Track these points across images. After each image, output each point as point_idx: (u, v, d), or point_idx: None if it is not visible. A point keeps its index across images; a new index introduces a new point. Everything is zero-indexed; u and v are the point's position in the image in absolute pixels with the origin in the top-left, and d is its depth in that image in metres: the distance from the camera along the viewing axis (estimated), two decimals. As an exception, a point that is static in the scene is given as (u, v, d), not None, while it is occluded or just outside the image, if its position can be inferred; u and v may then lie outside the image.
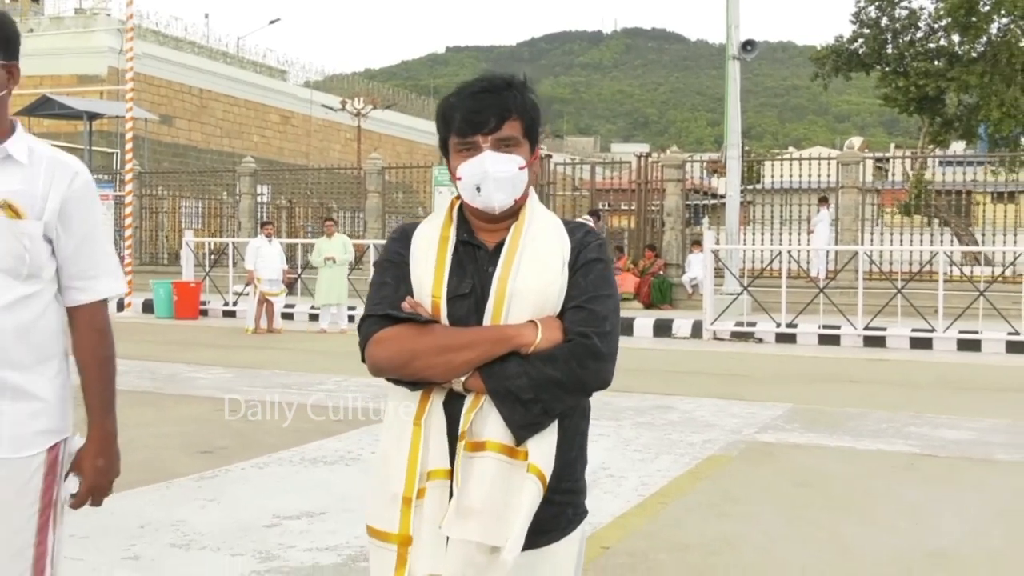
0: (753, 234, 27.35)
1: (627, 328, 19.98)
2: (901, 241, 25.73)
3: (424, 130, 61.91)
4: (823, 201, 25.71)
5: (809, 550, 5.99)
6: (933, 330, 18.04)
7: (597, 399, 2.58)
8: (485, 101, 2.47)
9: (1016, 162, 30.28)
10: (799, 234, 26.01)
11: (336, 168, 37.82)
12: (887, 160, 37.59)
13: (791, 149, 77.88)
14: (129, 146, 23.67)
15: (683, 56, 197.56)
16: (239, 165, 31.41)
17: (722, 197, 25.96)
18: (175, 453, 8.39)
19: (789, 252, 21.45)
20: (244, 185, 30.27)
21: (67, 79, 44.05)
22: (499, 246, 2.50)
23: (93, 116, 34.90)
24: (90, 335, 2.81)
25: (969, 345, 17.69)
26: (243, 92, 52.55)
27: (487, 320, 2.43)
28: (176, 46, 50.40)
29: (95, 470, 2.83)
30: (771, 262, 22.08)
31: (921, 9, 34.60)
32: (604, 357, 2.41)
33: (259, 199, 31.24)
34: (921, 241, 25.63)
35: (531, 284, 2.43)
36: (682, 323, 20.22)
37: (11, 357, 2.65)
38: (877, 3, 34.36)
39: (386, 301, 2.48)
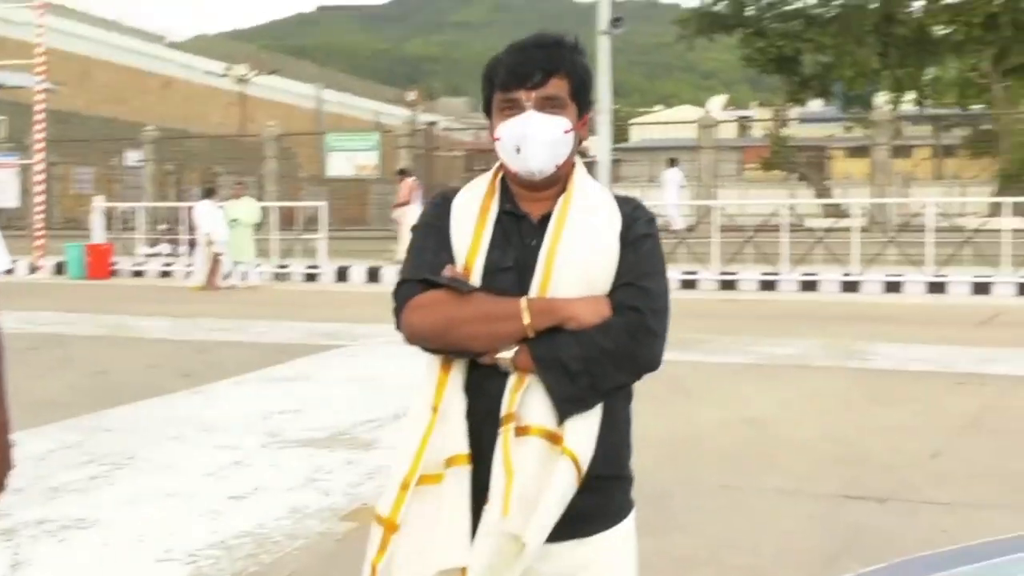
0: (623, 191, 29.42)
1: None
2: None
3: (302, 94, 63.41)
4: (671, 162, 28.18)
5: (662, 422, 8.26)
6: (778, 273, 20.66)
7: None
8: (532, 55, 2.37)
9: (868, 120, 32.79)
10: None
11: (238, 136, 39.27)
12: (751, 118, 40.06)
13: (658, 106, 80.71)
14: (41, 117, 25.06)
15: (554, 14, 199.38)
16: (141, 133, 32.83)
17: (593, 157, 28.26)
18: (158, 378, 10.30)
19: (654, 207, 23.76)
20: (148, 152, 31.78)
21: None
22: (545, 217, 2.37)
23: (-6, 86, 35.85)
24: None
25: (809, 286, 20.32)
26: (124, 58, 53.31)
27: (532, 293, 2.29)
28: (58, 14, 50.87)
29: None
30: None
31: (778, -28, 36.54)
32: (656, 334, 2.29)
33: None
34: (791, 195, 28.04)
35: (581, 257, 2.30)
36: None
37: None
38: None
39: (425, 266, 2.34)
